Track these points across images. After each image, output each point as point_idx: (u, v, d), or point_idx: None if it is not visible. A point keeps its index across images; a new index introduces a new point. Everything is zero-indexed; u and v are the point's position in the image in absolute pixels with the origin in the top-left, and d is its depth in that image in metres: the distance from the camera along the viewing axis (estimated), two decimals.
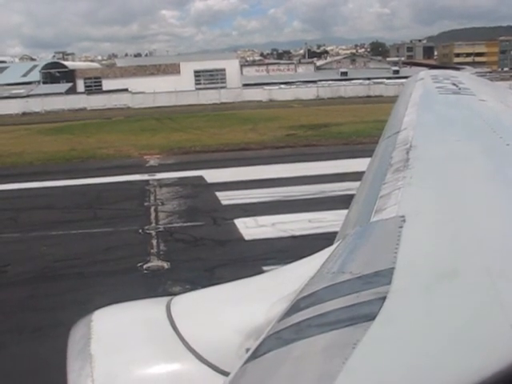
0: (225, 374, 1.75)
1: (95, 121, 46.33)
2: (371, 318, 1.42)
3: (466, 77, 7.04)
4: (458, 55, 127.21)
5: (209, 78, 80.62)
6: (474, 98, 4.88)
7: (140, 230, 13.99)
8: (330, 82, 71.03)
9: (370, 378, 1.28)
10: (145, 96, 64.85)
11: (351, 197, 3.17)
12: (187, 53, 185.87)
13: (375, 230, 2.14)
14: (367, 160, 3.71)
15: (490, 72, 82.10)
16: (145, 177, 21.02)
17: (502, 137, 3.16)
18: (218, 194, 17.37)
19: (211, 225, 14.39)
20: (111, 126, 41.37)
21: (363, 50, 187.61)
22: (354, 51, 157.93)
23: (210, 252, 12.27)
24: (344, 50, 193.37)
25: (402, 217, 2.07)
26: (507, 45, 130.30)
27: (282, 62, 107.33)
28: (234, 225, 14.06)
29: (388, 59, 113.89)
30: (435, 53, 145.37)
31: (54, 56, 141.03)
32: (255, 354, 1.46)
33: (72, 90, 73.33)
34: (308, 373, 1.33)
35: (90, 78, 79.45)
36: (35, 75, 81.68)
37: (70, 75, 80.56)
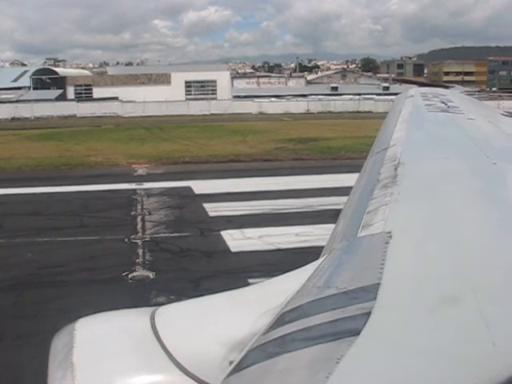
0: None
1: (84, 128, 46.13)
2: (356, 333, 1.42)
3: (455, 95, 7.10)
4: (447, 73, 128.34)
5: (199, 89, 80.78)
6: (463, 116, 4.92)
7: (126, 239, 13.91)
8: (321, 97, 71.37)
9: None
10: (135, 105, 64.78)
11: (338, 211, 3.18)
12: (179, 63, 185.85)
13: (361, 245, 2.14)
14: (355, 175, 3.72)
15: (479, 91, 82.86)
16: (132, 186, 20.90)
17: (488, 156, 3.18)
18: (205, 205, 17.32)
19: (198, 236, 14.34)
20: (100, 134, 41.18)
21: (354, 65, 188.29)
22: (344, 67, 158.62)
23: (196, 263, 12.21)
24: (335, 65, 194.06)
25: (389, 233, 2.07)
26: (495, 65, 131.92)
27: (272, 75, 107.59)
28: (221, 236, 14.01)
29: (378, 75, 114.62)
30: (425, 70, 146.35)
31: (45, 62, 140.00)
32: (239, 367, 1.46)
33: (62, 97, 73.09)
34: None
35: (80, 86, 79.22)
36: (25, 81, 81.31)
37: (60, 82, 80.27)
